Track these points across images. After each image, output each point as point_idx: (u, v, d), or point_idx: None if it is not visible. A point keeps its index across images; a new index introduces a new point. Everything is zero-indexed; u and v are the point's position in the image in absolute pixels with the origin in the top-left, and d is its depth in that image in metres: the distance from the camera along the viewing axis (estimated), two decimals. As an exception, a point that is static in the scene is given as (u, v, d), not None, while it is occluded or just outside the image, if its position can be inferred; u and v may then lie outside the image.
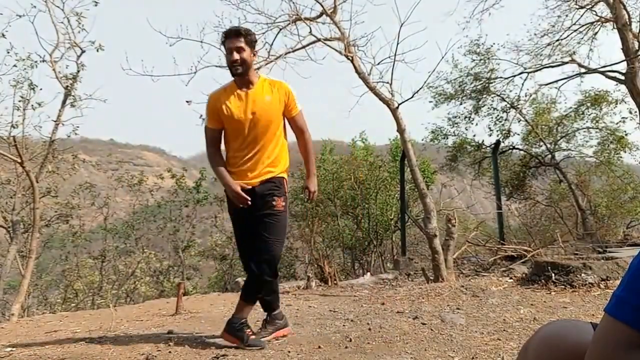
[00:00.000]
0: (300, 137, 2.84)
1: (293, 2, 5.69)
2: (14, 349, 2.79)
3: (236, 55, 2.54)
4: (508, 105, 12.31)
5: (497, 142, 9.25)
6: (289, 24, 5.72)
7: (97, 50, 7.63)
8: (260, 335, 2.72)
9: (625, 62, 9.85)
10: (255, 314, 3.75)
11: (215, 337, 2.81)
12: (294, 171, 14.32)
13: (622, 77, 10.14)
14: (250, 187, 2.63)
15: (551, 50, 11.43)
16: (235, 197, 2.59)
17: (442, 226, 5.69)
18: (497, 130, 12.58)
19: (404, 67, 5.64)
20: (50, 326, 3.71)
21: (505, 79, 12.00)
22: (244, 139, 2.63)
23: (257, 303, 2.84)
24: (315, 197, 2.85)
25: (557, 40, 11.32)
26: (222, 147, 2.79)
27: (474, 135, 12.84)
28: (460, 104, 12.52)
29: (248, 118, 2.61)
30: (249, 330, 2.62)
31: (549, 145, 12.30)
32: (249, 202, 2.59)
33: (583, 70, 11.13)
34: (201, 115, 5.72)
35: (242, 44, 2.58)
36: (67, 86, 7.42)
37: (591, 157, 12.59)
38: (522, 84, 12.09)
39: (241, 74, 2.60)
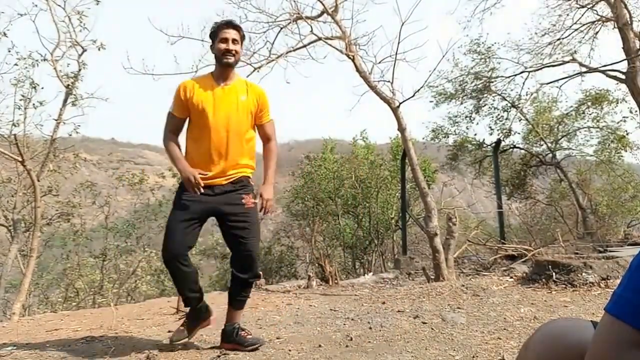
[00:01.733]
0: (266, 144, 2.78)
1: (294, 1, 5.69)
2: (15, 347, 2.79)
3: (232, 45, 2.52)
4: (509, 105, 12.30)
5: (498, 141, 9.25)
6: (290, 22, 5.72)
7: (99, 49, 7.65)
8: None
9: (626, 62, 9.84)
10: (257, 313, 3.76)
11: (216, 336, 2.81)
12: (295, 170, 14.36)
13: (623, 77, 10.13)
14: (216, 185, 2.51)
15: (552, 49, 11.41)
16: (190, 180, 2.42)
17: (443, 225, 5.69)
18: (497, 129, 12.58)
19: (405, 66, 5.65)
20: (51, 325, 3.71)
21: (506, 78, 11.98)
22: (212, 134, 2.49)
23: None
24: (270, 207, 2.62)
25: (558, 39, 11.30)
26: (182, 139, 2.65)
27: (475, 134, 12.87)
28: (461, 103, 12.52)
29: (220, 114, 2.51)
30: (243, 332, 2.61)
31: (549, 145, 12.30)
32: (201, 190, 2.43)
33: (584, 69, 11.11)
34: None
35: (238, 37, 2.57)
36: (69, 85, 7.43)
37: (592, 156, 12.61)
38: (523, 83, 12.05)
39: (231, 65, 2.55)
